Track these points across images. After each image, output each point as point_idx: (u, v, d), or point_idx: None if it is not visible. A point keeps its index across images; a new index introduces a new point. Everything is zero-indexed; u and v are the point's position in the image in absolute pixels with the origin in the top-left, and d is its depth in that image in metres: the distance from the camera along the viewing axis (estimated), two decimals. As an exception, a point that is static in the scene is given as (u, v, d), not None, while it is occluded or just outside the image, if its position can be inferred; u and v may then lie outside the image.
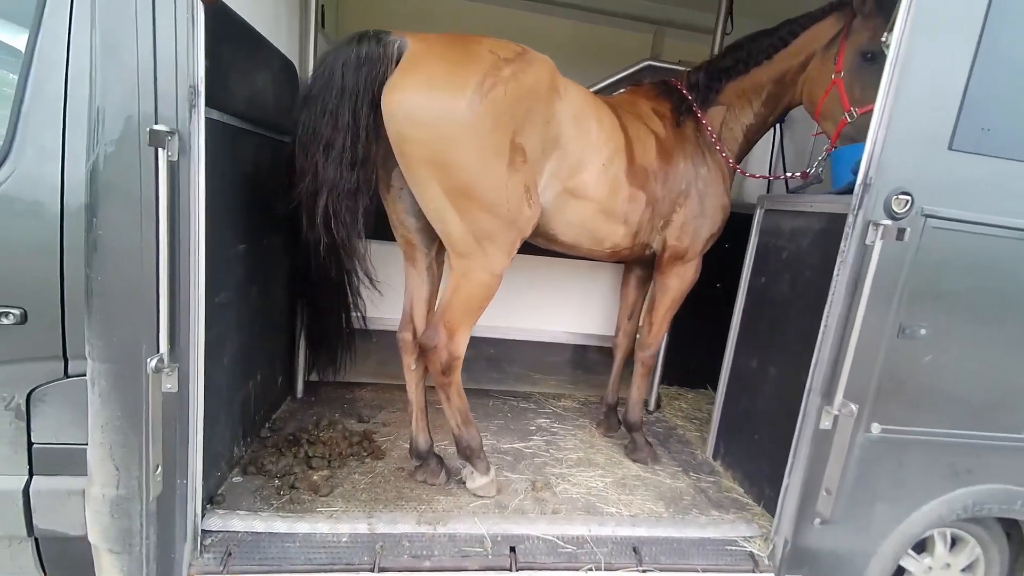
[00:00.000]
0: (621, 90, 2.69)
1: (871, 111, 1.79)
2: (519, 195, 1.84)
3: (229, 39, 1.80)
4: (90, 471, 1.67)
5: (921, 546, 2.27)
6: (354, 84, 1.72)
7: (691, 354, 3.51)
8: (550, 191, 2.03)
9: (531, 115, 1.82)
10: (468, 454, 2.18)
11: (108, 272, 1.56)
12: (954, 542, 2.31)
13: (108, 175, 1.49)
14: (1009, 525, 2.31)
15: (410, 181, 1.81)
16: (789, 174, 2.48)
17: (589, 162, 2.05)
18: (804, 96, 2.31)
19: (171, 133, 1.48)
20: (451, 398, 2.10)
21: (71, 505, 1.80)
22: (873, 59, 2.01)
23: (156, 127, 1.45)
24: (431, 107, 1.69)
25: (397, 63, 1.76)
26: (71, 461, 1.79)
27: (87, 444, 1.66)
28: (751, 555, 2.09)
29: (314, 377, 3.05)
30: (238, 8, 1.90)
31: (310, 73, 2.69)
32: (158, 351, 1.57)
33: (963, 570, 2.35)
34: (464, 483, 2.24)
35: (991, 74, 1.73)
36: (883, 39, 1.76)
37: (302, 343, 2.97)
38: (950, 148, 1.77)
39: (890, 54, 1.71)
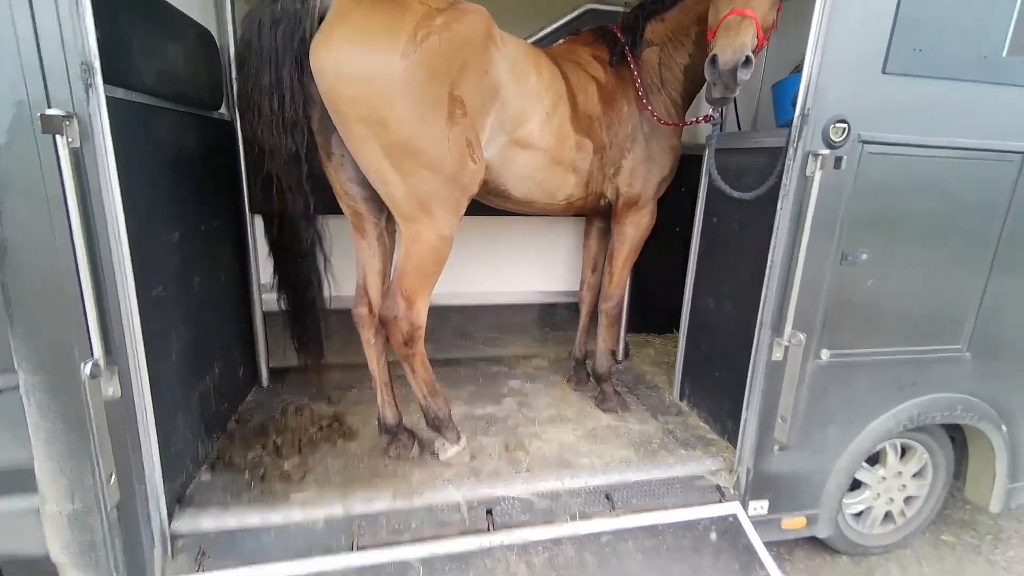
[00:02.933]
0: (561, 40, 2.60)
1: (716, 30, 1.83)
2: (461, 149, 1.78)
3: (127, 8, 1.64)
4: (41, 488, 1.61)
5: (874, 459, 2.42)
6: (271, 43, 1.61)
7: (656, 300, 3.56)
8: (495, 144, 1.97)
9: (468, 66, 1.75)
10: (437, 424, 2.18)
11: (23, 275, 1.46)
12: (903, 451, 2.48)
13: (5, 168, 1.37)
14: (952, 430, 2.48)
15: (347, 141, 1.73)
16: (694, 119, 2.44)
17: (532, 112, 2.00)
18: None
19: (68, 117, 1.35)
20: (416, 369, 2.08)
21: (27, 525, 1.73)
22: None
23: (48, 112, 1.32)
24: (363, 60, 1.60)
25: (321, 19, 1.65)
26: (20, 479, 1.70)
27: (33, 460, 1.58)
28: (717, 487, 2.19)
29: (276, 364, 2.98)
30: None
31: (230, 41, 2.53)
32: (92, 355, 1.48)
33: (914, 476, 2.52)
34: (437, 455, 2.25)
35: (920, -7, 1.73)
36: (813, -37, 1.72)
37: (260, 329, 2.88)
38: (884, 71, 1.78)
39: (822, -21, 1.69)
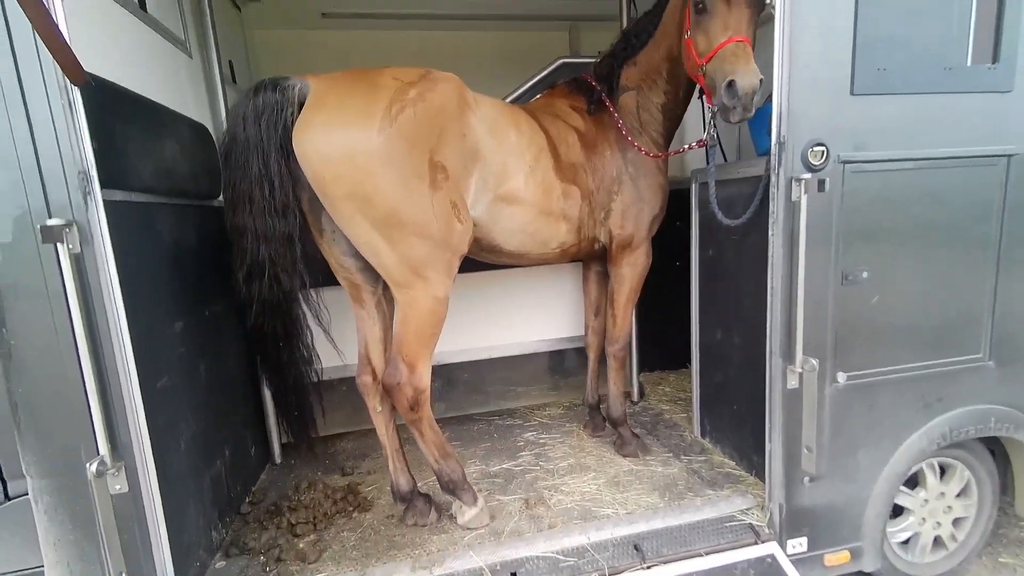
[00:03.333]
0: (538, 96, 2.70)
1: (715, 55, 1.89)
2: (447, 212, 1.82)
3: (120, 116, 1.74)
4: (51, 593, 1.57)
5: (913, 481, 2.29)
6: (256, 135, 1.70)
7: (665, 336, 3.51)
8: (482, 203, 2.02)
9: (445, 132, 1.81)
10: (452, 487, 2.13)
11: (29, 381, 1.49)
12: (943, 471, 2.35)
13: (8, 281, 1.42)
14: (990, 442, 2.35)
15: (337, 219, 1.78)
16: (686, 146, 2.44)
17: (515, 167, 2.06)
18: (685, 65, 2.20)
19: (68, 225, 1.41)
20: (424, 433, 2.05)
21: (38, 633, 1.68)
22: (704, 8, 1.97)
23: (49, 222, 1.38)
24: (343, 141, 1.67)
25: (301, 106, 1.73)
26: (30, 586, 1.68)
27: (43, 566, 1.56)
28: (751, 527, 2.08)
29: (288, 439, 2.96)
30: (131, 81, 1.84)
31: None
32: (98, 453, 1.49)
33: (958, 496, 2.38)
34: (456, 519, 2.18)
35: (876, 13, 1.79)
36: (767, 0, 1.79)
37: (270, 406, 2.87)
38: (852, 93, 1.82)
39: (777, 11, 1.75)
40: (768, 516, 2.07)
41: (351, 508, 2.37)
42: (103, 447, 1.49)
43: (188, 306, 2.12)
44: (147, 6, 2.11)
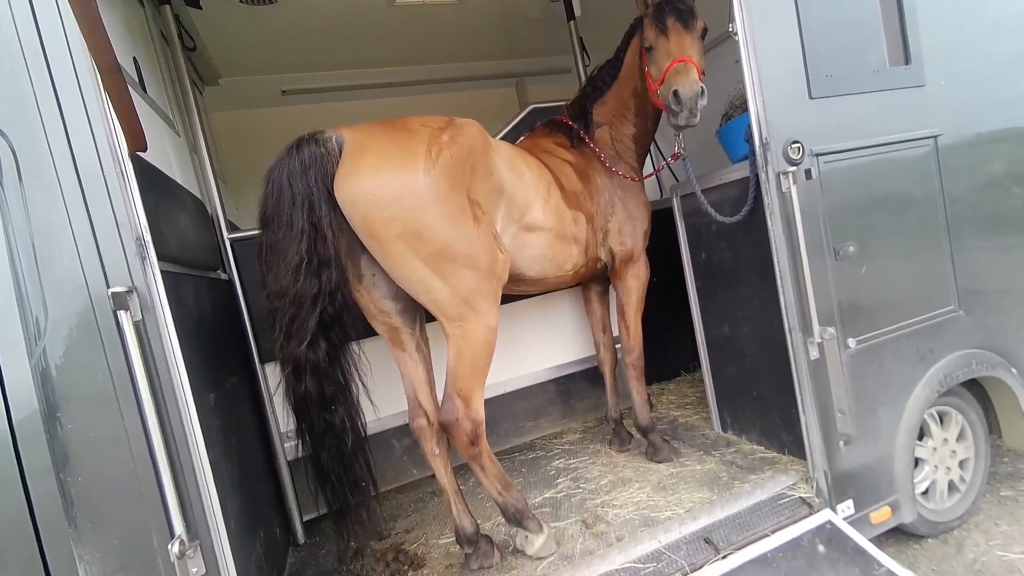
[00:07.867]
0: (521, 138, 2.90)
1: (664, 78, 2.19)
2: (490, 243, 1.91)
3: (150, 187, 1.72)
4: None
5: (920, 434, 2.51)
6: (306, 188, 1.69)
7: (653, 350, 3.66)
8: (508, 234, 2.12)
9: (476, 171, 1.93)
10: (519, 518, 2.09)
11: (88, 470, 1.37)
12: (941, 420, 2.60)
13: (64, 364, 1.34)
14: (970, 386, 2.64)
15: (386, 260, 1.80)
16: (664, 161, 2.76)
17: (534, 199, 2.20)
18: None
19: (130, 292, 1.37)
20: (485, 467, 2.03)
21: None
22: (651, 47, 2.31)
23: (115, 289, 1.34)
24: (392, 183, 1.72)
25: (339, 156, 1.78)
26: None
27: None
28: (802, 500, 2.20)
29: (308, 516, 2.79)
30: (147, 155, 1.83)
31: (216, 207, 2.64)
32: (173, 534, 1.38)
33: (958, 440, 2.63)
34: (522, 552, 2.13)
35: (815, 30, 2.14)
36: (729, 29, 2.10)
37: (288, 482, 2.71)
38: (810, 97, 2.14)
39: (740, 38, 2.06)
40: (815, 486, 2.19)
41: (406, 567, 2.26)
42: (178, 527, 1.39)
43: (216, 378, 2.03)
44: (147, 88, 2.13)
